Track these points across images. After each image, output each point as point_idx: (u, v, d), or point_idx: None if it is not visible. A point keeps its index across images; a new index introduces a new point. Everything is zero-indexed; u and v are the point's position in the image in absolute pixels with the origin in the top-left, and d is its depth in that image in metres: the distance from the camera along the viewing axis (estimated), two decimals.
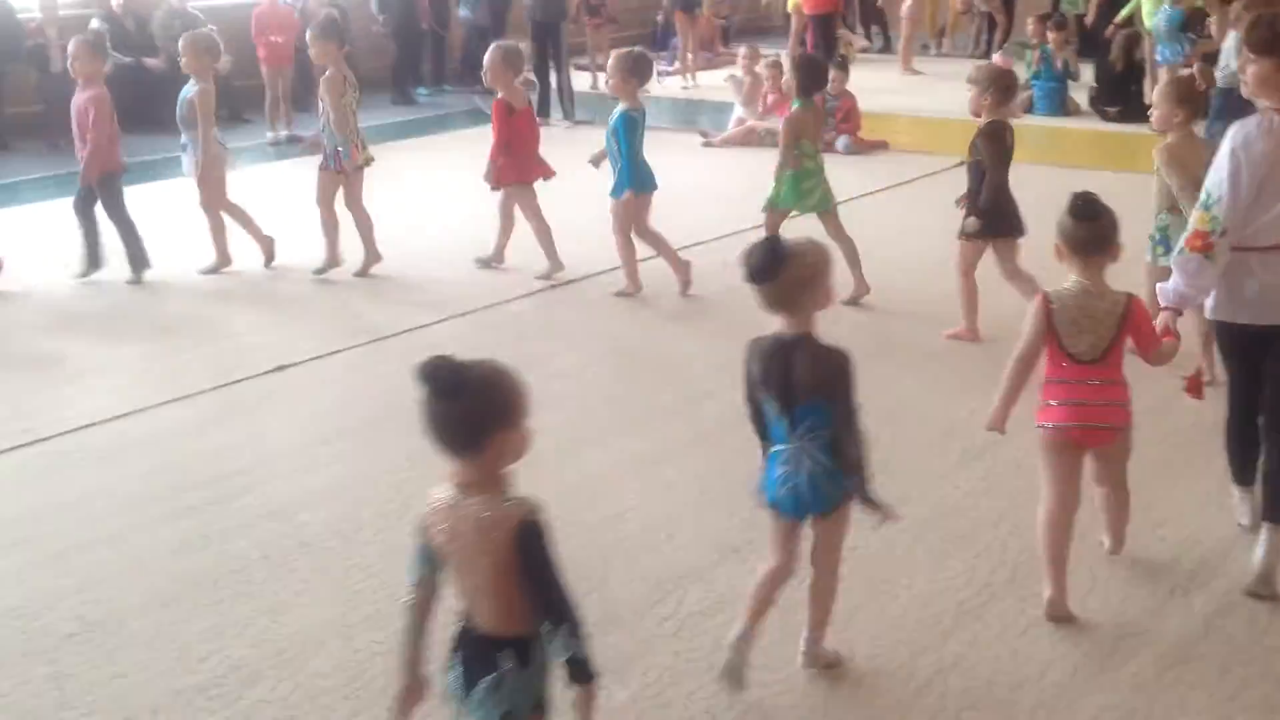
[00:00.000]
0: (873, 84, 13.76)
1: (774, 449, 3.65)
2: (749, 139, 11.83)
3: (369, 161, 8.02)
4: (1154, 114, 5.92)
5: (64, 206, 8.24)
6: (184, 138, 7.99)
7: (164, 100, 13.02)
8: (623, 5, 17.55)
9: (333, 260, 7.95)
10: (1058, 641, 3.98)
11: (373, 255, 7.96)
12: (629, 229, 7.43)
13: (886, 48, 17.84)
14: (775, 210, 7.35)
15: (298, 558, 4.56)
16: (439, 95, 15.47)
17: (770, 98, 12.06)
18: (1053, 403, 4.03)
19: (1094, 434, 4.06)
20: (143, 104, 12.56)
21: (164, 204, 9.12)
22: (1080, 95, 13.12)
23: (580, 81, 14.71)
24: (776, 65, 12.12)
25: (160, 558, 4.57)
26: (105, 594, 4.34)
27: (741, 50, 13.33)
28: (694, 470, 5.21)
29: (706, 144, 11.94)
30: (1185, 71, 5.39)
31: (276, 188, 9.85)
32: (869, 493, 3.62)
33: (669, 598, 4.23)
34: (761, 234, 7.00)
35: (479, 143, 8.45)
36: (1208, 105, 5.00)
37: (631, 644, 3.98)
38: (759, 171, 10.14)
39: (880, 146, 11.53)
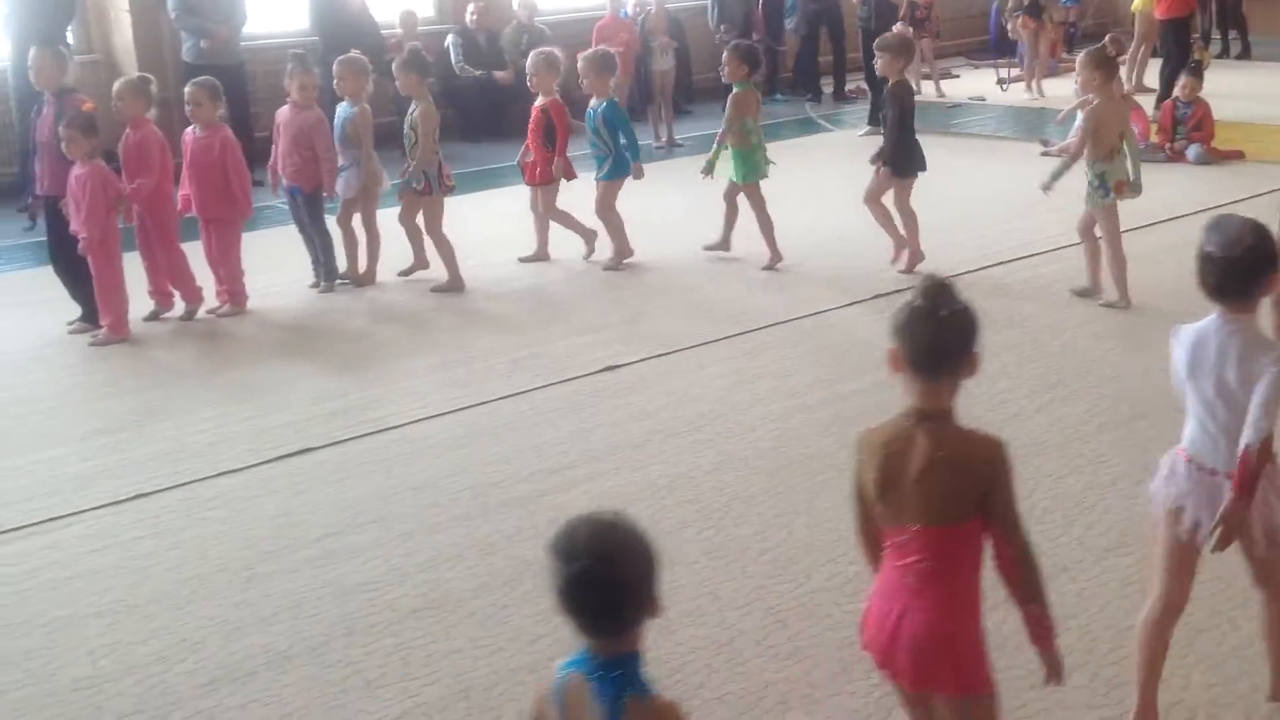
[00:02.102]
0: (1230, 90, 13.02)
1: None
2: None
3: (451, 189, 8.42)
4: (1077, 80, 7.28)
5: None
6: (342, 159, 8.23)
7: (512, 112, 13.76)
8: (949, 13, 17.27)
9: (420, 265, 8.45)
10: None
11: (455, 280, 8.23)
12: (612, 207, 8.52)
13: (1246, 53, 16.82)
14: (734, 185, 8.38)
15: None
16: (772, 104, 15.60)
17: None
18: None
19: None
20: (492, 115, 13.28)
21: (504, 209, 9.53)
22: None
23: None
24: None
25: (496, 543, 4.81)
26: (447, 574, 4.60)
27: None
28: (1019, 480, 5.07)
29: (1045, 153, 11.58)
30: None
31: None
32: None
33: (993, 612, 4.12)
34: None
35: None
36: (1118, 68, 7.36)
37: None
38: None
39: (1235, 156, 10.89)
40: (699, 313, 7.57)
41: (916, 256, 8.06)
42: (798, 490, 5.15)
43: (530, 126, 8.66)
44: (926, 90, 15.09)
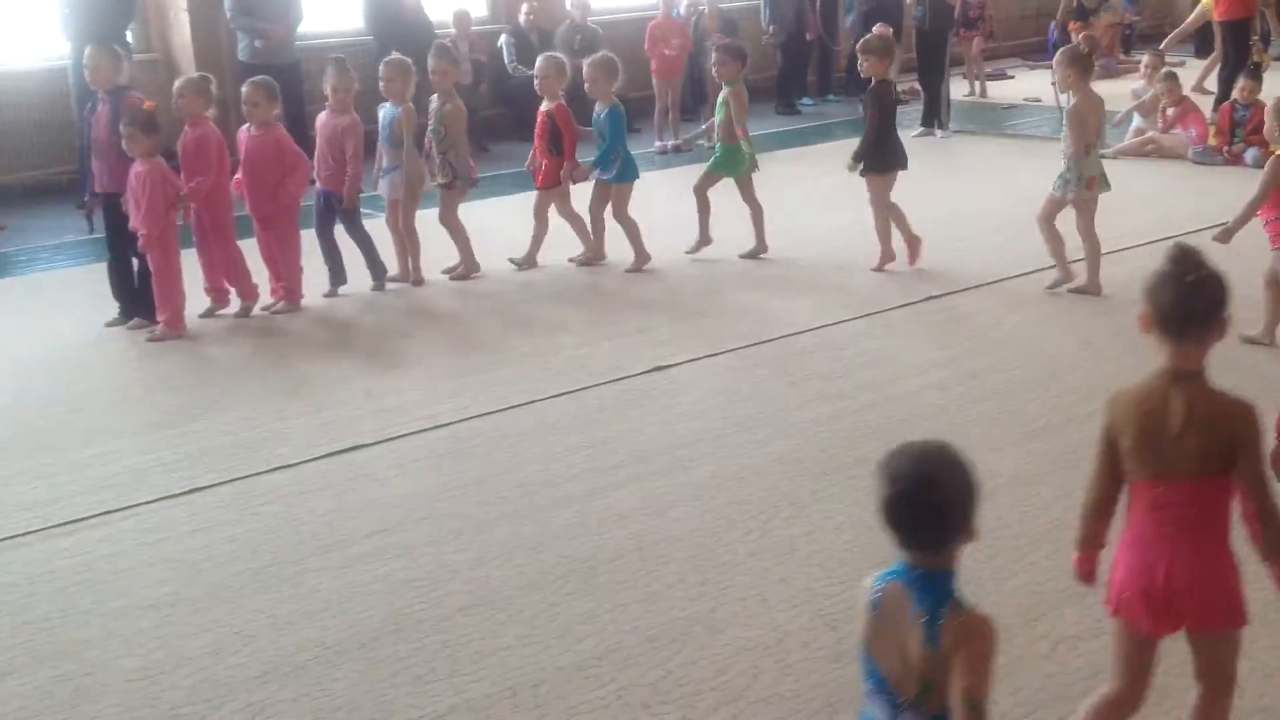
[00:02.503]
0: None
1: None
2: (1144, 150, 11.32)
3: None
4: (1056, 77, 7.71)
5: (488, 207, 8.82)
6: (385, 161, 8.26)
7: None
8: (1004, 14, 17.20)
9: (470, 267, 8.57)
10: None
11: (471, 264, 8.54)
12: (601, 211, 8.68)
13: None
14: (708, 178, 8.73)
15: (670, 551, 4.72)
16: (823, 105, 15.56)
17: (1170, 111, 11.48)
18: None
19: None
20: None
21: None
22: None
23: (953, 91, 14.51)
24: (1172, 77, 11.55)
25: (545, 542, 4.83)
26: (495, 572, 4.63)
27: (1144, 59, 12.75)
28: (1075, 489, 5.03)
29: (1101, 155, 11.49)
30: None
31: (664, 193, 10.18)
32: None
33: (1044, 617, 4.12)
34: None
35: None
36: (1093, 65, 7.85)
37: (1003, 660, 3.88)
38: (1155, 182, 9.73)
39: None
40: (748, 314, 7.56)
41: (888, 256, 8.24)
42: (847, 493, 5.13)
43: (536, 132, 8.67)
44: (965, 90, 15.01)
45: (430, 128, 8.43)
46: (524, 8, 13.79)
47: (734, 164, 8.66)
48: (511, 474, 5.46)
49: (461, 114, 8.40)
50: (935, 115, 12.99)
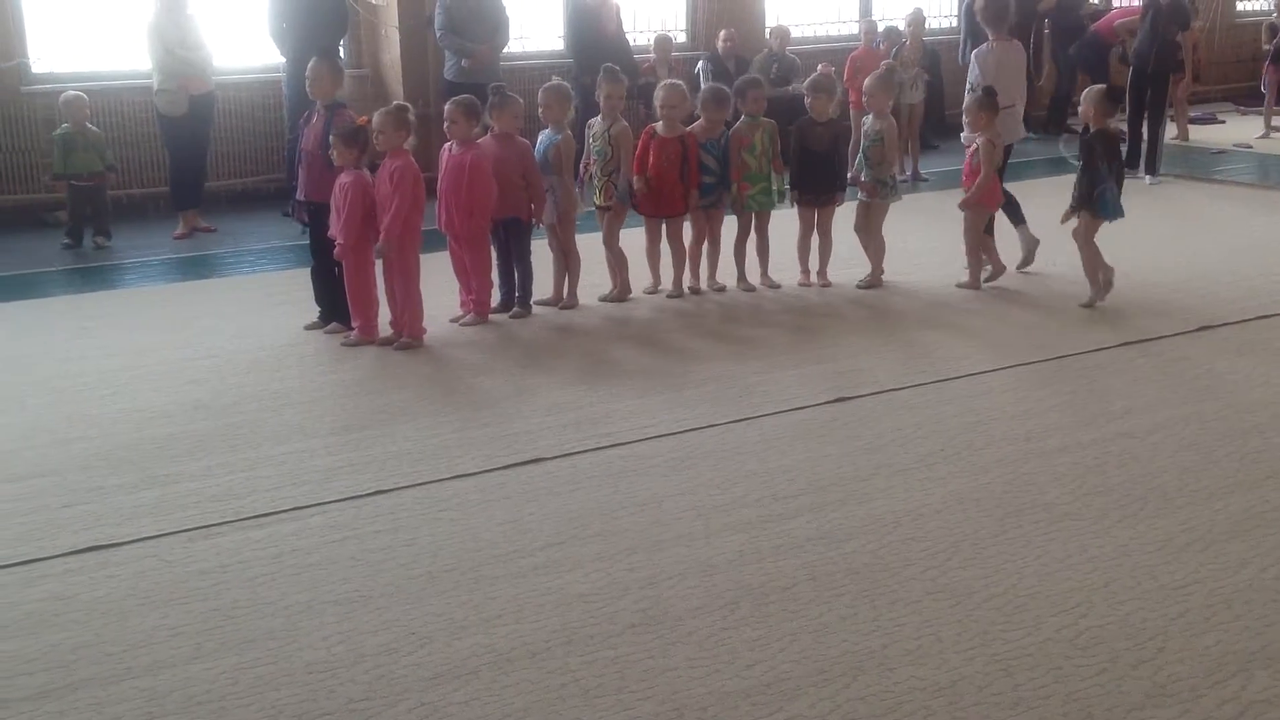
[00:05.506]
0: None
1: None
2: None
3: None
4: (868, 100, 8.90)
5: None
6: (545, 183, 8.28)
7: None
8: (1217, 58, 16.71)
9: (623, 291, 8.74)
10: None
11: (624, 289, 8.73)
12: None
13: None
14: (756, 215, 8.91)
15: (843, 583, 4.66)
16: (1021, 144, 15.24)
17: None
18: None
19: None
20: None
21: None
22: None
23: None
24: None
25: (717, 566, 4.82)
26: (667, 592, 4.64)
27: None
28: (1271, 549, 4.83)
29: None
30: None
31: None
32: None
33: (1232, 679, 3.94)
34: None
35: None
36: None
37: None
38: None
39: None
40: (936, 348, 7.45)
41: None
42: (1030, 537, 5.00)
43: (653, 159, 8.49)
44: (1172, 132, 14.56)
45: (595, 149, 8.52)
46: (721, 34, 13.87)
47: (770, 199, 8.83)
48: (686, 496, 5.48)
49: (630, 136, 8.47)
50: (1151, 159, 12.56)
